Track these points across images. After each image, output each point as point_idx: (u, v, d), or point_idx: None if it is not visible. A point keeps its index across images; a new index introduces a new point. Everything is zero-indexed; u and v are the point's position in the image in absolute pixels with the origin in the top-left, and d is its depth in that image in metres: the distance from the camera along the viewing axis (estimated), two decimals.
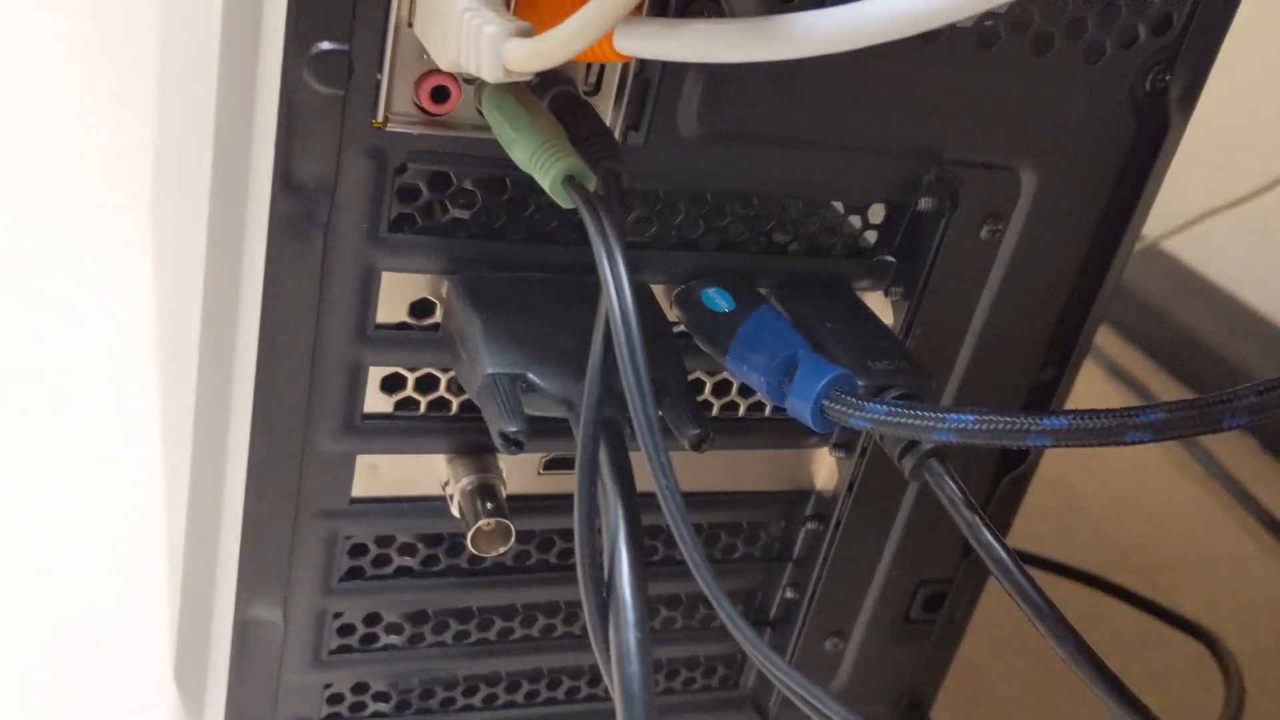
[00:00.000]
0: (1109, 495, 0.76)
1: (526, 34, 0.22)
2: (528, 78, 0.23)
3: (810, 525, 0.37)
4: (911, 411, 0.26)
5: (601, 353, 0.24)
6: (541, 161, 0.25)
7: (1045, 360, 0.36)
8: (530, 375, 0.27)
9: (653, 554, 0.36)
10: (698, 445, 0.27)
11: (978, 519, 0.28)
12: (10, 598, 0.52)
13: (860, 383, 0.29)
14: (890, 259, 0.33)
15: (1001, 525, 0.39)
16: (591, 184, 0.25)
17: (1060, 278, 0.35)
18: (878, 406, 0.27)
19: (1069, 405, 0.38)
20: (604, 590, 0.25)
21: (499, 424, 0.26)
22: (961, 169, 0.32)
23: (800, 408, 0.28)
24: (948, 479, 0.28)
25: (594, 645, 0.25)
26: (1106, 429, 0.24)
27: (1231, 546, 0.74)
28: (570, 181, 0.25)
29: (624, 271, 0.24)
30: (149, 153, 0.73)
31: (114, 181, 0.77)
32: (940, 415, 0.26)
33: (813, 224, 0.32)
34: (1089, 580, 0.64)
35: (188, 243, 0.40)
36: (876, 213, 0.33)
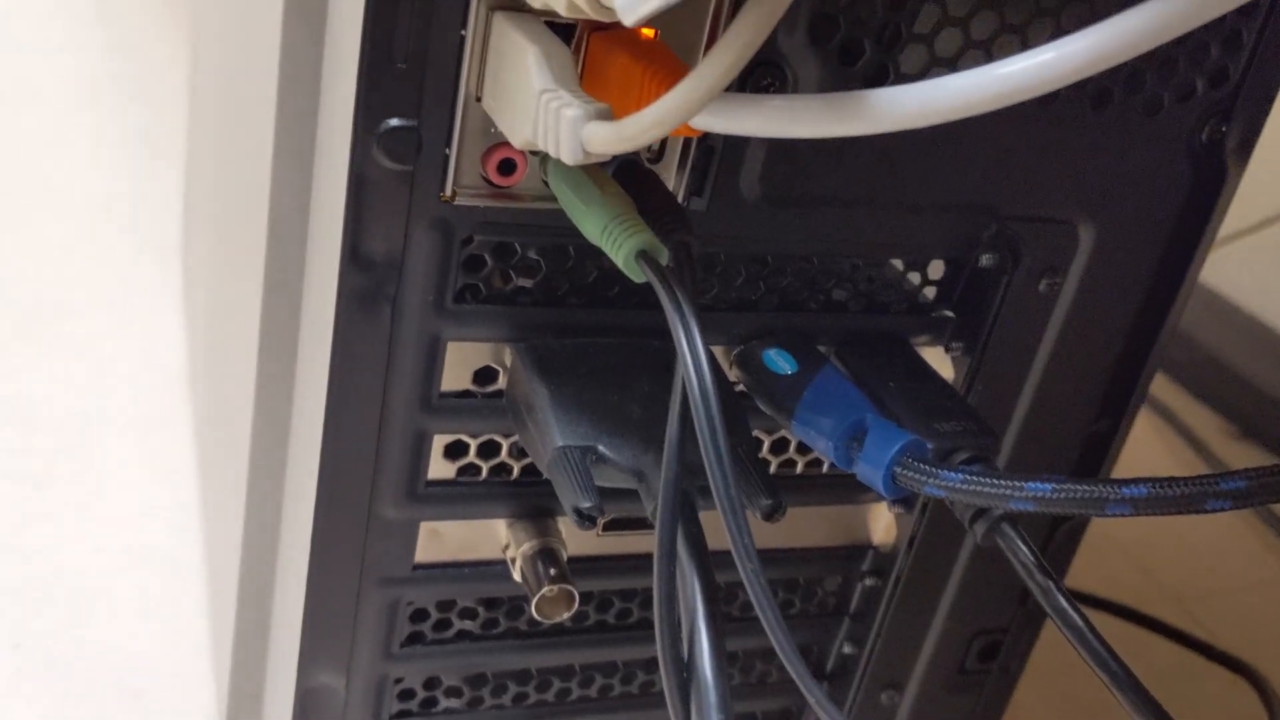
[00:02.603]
0: (1142, 522, 0.75)
1: (606, 116, 0.22)
2: (605, 159, 0.23)
3: (868, 581, 0.37)
4: (988, 480, 0.26)
5: (679, 430, 0.24)
6: (614, 237, 0.25)
7: (1100, 411, 0.36)
8: (600, 447, 0.27)
9: None
10: (770, 516, 0.27)
11: (1052, 584, 0.28)
12: (47, 649, 0.52)
13: (929, 445, 0.29)
14: (950, 314, 0.33)
15: (1057, 574, 0.39)
16: (664, 258, 0.25)
17: (1116, 329, 0.35)
18: (953, 474, 0.26)
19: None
20: (684, 670, 0.24)
21: (573, 499, 0.26)
22: (1021, 224, 0.32)
23: (872, 475, 0.28)
24: (1021, 544, 0.28)
25: None
26: (1187, 497, 0.24)
27: (1269, 572, 0.74)
28: (643, 256, 0.25)
29: (701, 346, 0.24)
30: (175, 193, 0.73)
31: (139, 223, 0.77)
32: (1018, 484, 0.25)
33: (872, 281, 0.32)
34: (1127, 615, 0.63)
35: (232, 301, 0.40)
36: (935, 268, 0.33)
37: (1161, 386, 0.87)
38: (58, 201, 0.77)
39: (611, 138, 0.22)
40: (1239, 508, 0.24)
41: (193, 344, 0.64)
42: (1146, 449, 0.82)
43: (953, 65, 0.29)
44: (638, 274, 0.25)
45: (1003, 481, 0.26)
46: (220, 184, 0.46)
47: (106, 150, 0.83)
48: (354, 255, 0.27)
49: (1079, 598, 0.63)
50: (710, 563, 0.25)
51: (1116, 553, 0.73)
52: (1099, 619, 0.63)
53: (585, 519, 0.26)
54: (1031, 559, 0.28)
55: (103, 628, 0.53)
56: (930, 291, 0.33)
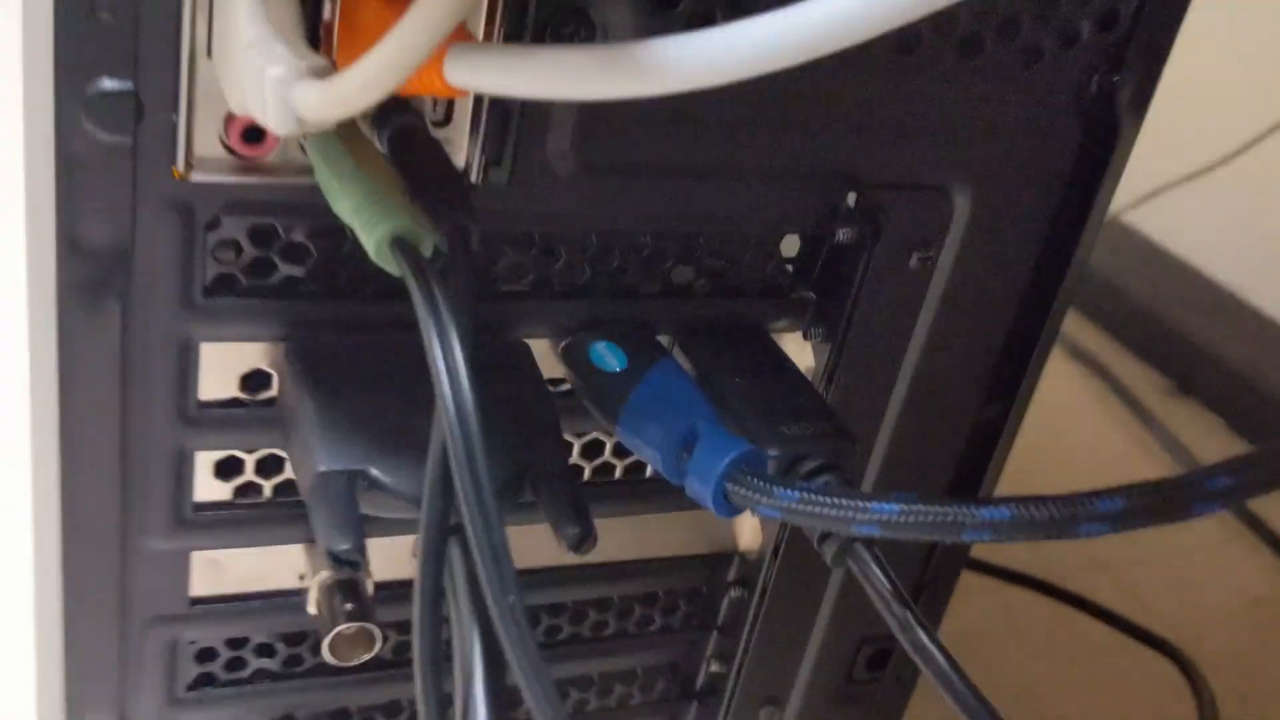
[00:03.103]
0: (1072, 485, 0.72)
1: (324, 74, 0.18)
2: (328, 128, 0.18)
3: (734, 592, 0.33)
4: (828, 500, 0.22)
5: (440, 457, 0.20)
6: (365, 219, 0.20)
7: (989, 396, 0.32)
8: (373, 470, 0.23)
9: (556, 634, 0.32)
10: (577, 546, 0.23)
11: (909, 615, 0.24)
12: None
13: (772, 452, 0.25)
14: (809, 295, 0.29)
15: (944, 591, 0.35)
16: (426, 246, 0.21)
17: (1002, 305, 0.31)
18: (789, 493, 0.22)
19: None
20: None
21: (326, 539, 0.22)
22: (884, 192, 0.28)
23: (700, 491, 0.24)
24: (875, 567, 0.24)
25: None
26: (1056, 520, 0.20)
27: (1200, 537, 0.71)
28: (399, 244, 0.20)
29: (459, 359, 0.19)
30: None
31: None
32: (862, 505, 0.22)
33: (718, 260, 0.28)
34: (1055, 593, 0.60)
35: None
36: (790, 244, 0.29)
37: (1094, 340, 0.84)
38: None
39: (328, 99, 0.17)
40: (1117, 530, 0.20)
41: None
42: (1080, 406, 0.79)
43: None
44: (392, 265, 0.20)
45: (844, 501, 0.22)
46: None
47: None
48: (71, 243, 0.22)
49: (1001, 571, 0.59)
50: (488, 613, 0.21)
51: None
52: (1023, 595, 0.61)
53: (343, 564, 0.21)
54: (887, 586, 0.24)
55: None
56: (786, 271, 0.29)
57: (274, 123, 0.18)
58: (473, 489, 0.18)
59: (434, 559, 0.20)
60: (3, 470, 0.28)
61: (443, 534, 0.20)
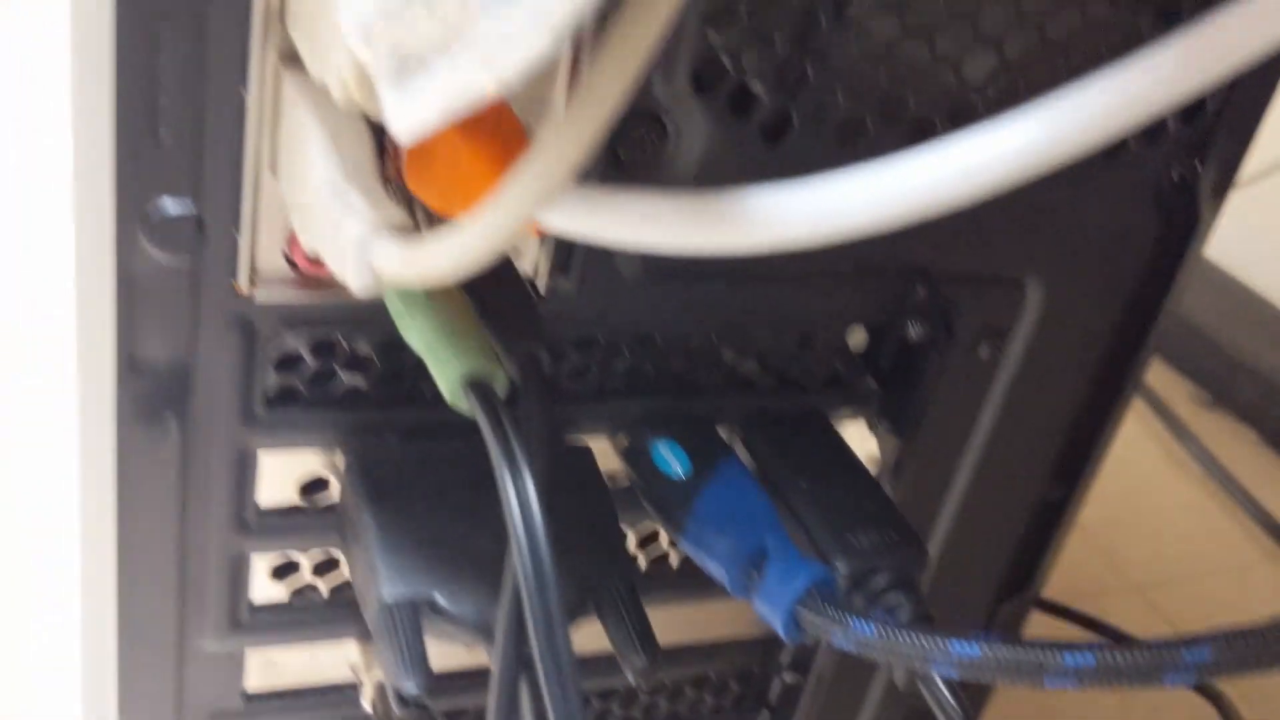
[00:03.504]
0: (1108, 504, 0.72)
1: (403, 229, 0.17)
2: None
3: (787, 677, 0.32)
4: (907, 639, 0.21)
5: (514, 598, 0.19)
6: (438, 358, 0.20)
7: (1053, 479, 0.32)
8: (438, 596, 0.22)
9: (606, 717, 0.32)
10: (642, 676, 0.22)
11: None
12: None
13: (841, 569, 0.24)
14: (875, 386, 0.28)
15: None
16: (500, 384, 0.20)
17: (1071, 392, 0.30)
18: (865, 625, 0.22)
19: None
20: None
21: (393, 676, 0.21)
22: (956, 285, 0.27)
23: (770, 615, 0.23)
24: (949, 697, 0.23)
25: None
26: (1142, 668, 0.20)
27: (1235, 557, 0.70)
28: (474, 387, 0.20)
29: (533, 502, 0.19)
30: None
31: None
32: (941, 645, 0.21)
33: (782, 354, 0.27)
34: (1080, 619, 0.60)
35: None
36: (857, 336, 0.28)
37: None
38: None
39: (405, 269, 0.17)
40: (1203, 680, 0.20)
41: None
42: None
43: (875, 113, 0.24)
44: (464, 405, 0.20)
45: (923, 641, 0.21)
46: None
47: None
48: (131, 362, 0.22)
49: (1038, 602, 0.59)
50: None
51: (1077, 533, 0.69)
52: (1056, 625, 0.60)
53: (408, 705, 0.21)
54: (959, 714, 0.23)
55: None
56: (852, 362, 0.28)
57: (352, 280, 0.17)
58: (545, 635, 0.18)
59: (507, 698, 0.20)
60: (53, 575, 0.27)
61: (514, 675, 0.20)
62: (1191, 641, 0.19)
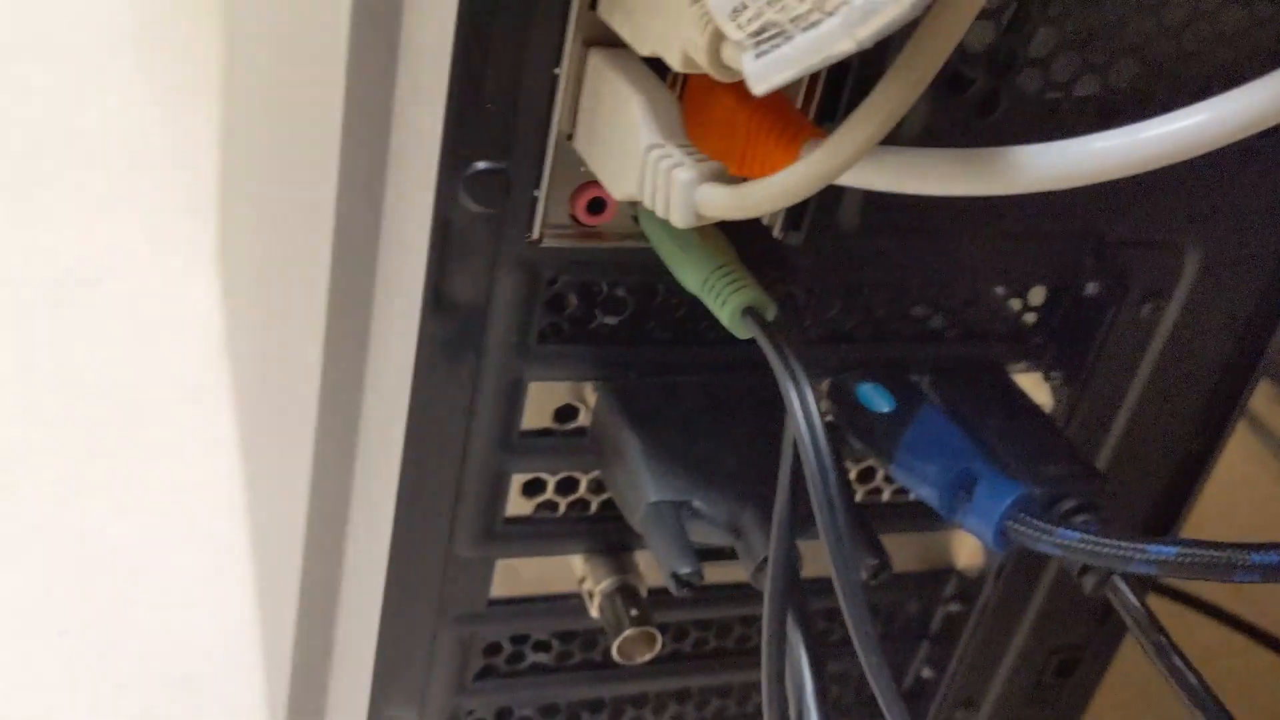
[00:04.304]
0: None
1: (720, 177, 0.21)
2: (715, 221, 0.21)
3: (952, 606, 0.35)
4: (1109, 541, 0.24)
5: (789, 502, 0.23)
6: (717, 291, 0.23)
7: (1196, 431, 0.35)
8: (695, 502, 0.26)
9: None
10: (874, 576, 0.26)
11: (1165, 640, 0.26)
12: (94, 636, 0.51)
13: (1036, 492, 0.27)
14: (1049, 341, 0.31)
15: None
16: (771, 314, 0.23)
17: (1219, 348, 0.33)
18: (1070, 533, 0.25)
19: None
20: None
21: (670, 564, 0.25)
22: (1127, 249, 0.30)
23: (982, 529, 0.26)
24: (1134, 600, 0.26)
25: None
26: None
27: None
28: (750, 314, 0.23)
29: (815, 413, 0.22)
30: (207, 149, 0.71)
31: (173, 180, 0.75)
32: (1140, 547, 0.24)
33: (970, 308, 0.31)
34: (1175, 595, 0.62)
35: (285, 303, 0.39)
36: (1037, 294, 0.31)
37: None
38: (88, 158, 0.75)
39: (730, 205, 0.20)
40: None
41: (230, 311, 0.63)
42: None
43: (1065, 90, 0.27)
44: (743, 331, 0.23)
45: (1123, 544, 0.24)
46: (268, 169, 0.44)
47: (137, 104, 0.80)
48: (437, 300, 0.26)
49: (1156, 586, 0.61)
50: (816, 637, 0.24)
51: None
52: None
53: (683, 585, 0.24)
54: (1145, 615, 0.26)
55: (152, 611, 0.53)
56: (1030, 318, 0.31)
57: (677, 218, 0.21)
58: (833, 534, 0.21)
59: (782, 593, 0.23)
60: (318, 470, 0.31)
61: (792, 565, 0.23)
62: None
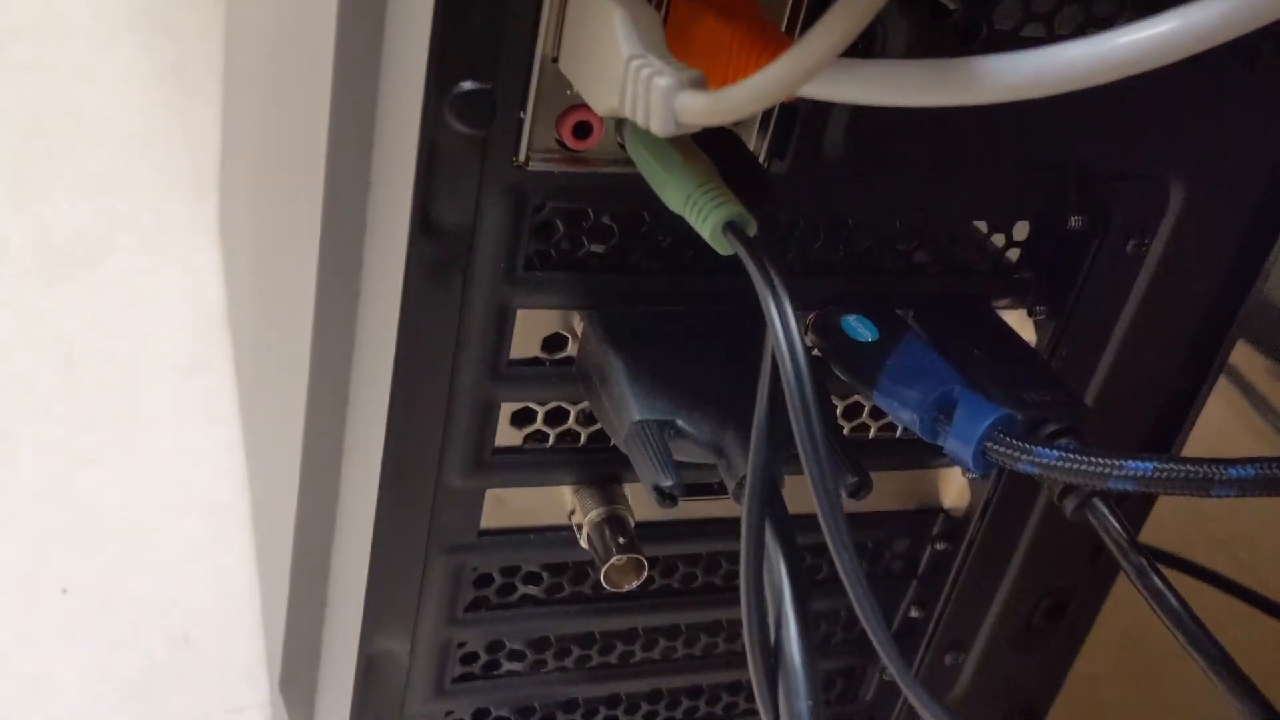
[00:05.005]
0: None
1: (700, 85, 0.21)
2: (697, 130, 0.22)
3: (939, 545, 0.36)
4: (1086, 458, 0.25)
5: (768, 412, 0.23)
6: (699, 207, 0.24)
7: (1181, 371, 0.35)
8: (679, 421, 0.26)
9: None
10: (856, 494, 0.26)
11: (1145, 561, 0.27)
12: (95, 594, 0.52)
13: (1017, 416, 0.28)
14: (1034, 276, 0.32)
15: (1133, 531, 0.38)
16: (752, 229, 0.24)
17: (1203, 288, 0.33)
18: (1048, 452, 0.25)
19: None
20: (771, 656, 0.24)
21: (652, 477, 0.25)
22: (1110, 183, 0.30)
23: (961, 450, 0.27)
24: (1114, 522, 0.27)
25: (761, 710, 0.24)
26: None
27: None
28: (731, 228, 0.23)
29: (794, 326, 0.23)
30: (209, 128, 0.72)
31: (174, 158, 0.75)
32: (1116, 463, 0.24)
33: (955, 243, 0.31)
34: (1182, 566, 0.62)
35: (280, 251, 0.39)
36: (1020, 229, 0.31)
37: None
38: (91, 138, 0.76)
39: (708, 109, 0.21)
40: None
41: (231, 282, 0.64)
42: None
43: (1047, 21, 0.27)
44: (724, 246, 0.24)
45: (1100, 460, 0.25)
46: (264, 126, 0.45)
47: (139, 85, 0.81)
48: (424, 224, 0.26)
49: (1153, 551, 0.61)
50: (797, 546, 0.24)
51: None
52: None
53: (666, 498, 0.25)
54: (1125, 537, 0.27)
55: (151, 573, 0.53)
56: (1014, 253, 0.32)
57: (657, 125, 0.21)
58: (810, 442, 0.22)
59: (759, 499, 0.24)
60: (313, 407, 0.32)
61: (770, 475, 0.23)
62: None
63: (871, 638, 0.24)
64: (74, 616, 0.51)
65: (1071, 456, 0.25)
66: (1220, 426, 0.78)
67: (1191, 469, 0.24)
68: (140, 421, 0.60)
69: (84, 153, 0.75)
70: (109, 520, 0.55)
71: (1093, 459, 0.25)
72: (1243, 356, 0.82)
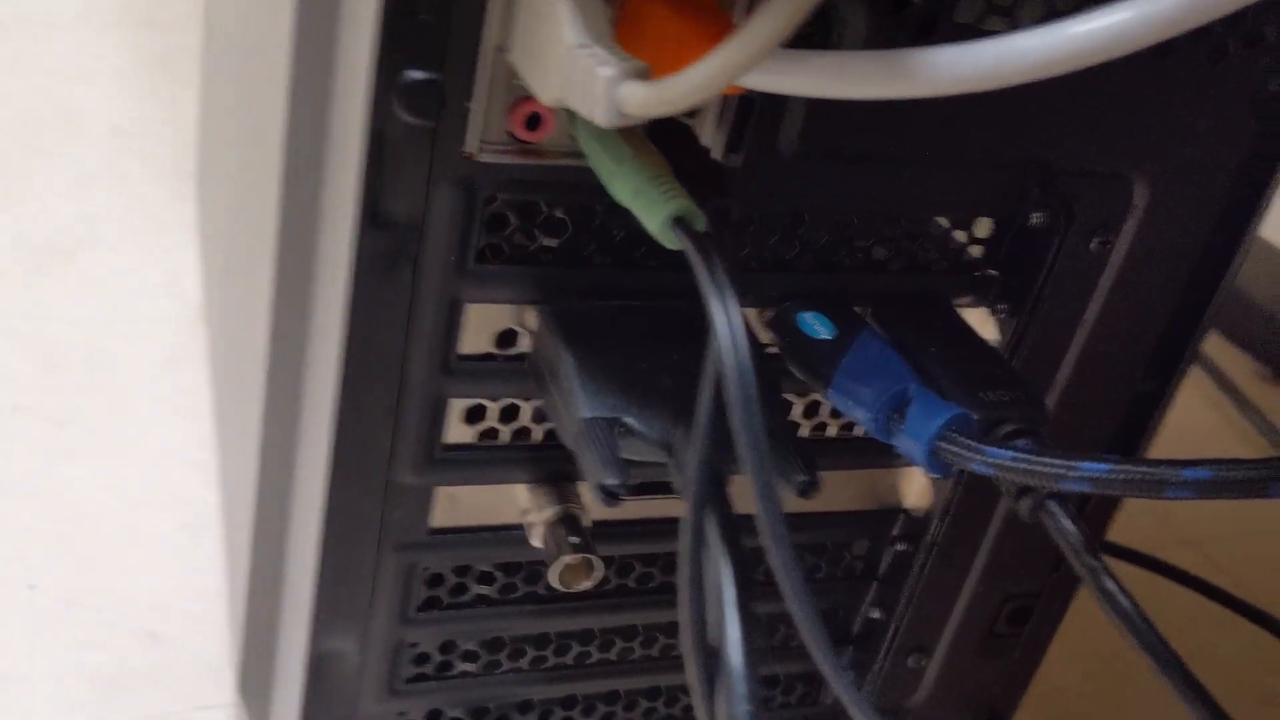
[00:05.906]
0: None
1: (644, 75, 0.21)
2: (641, 121, 0.21)
3: (899, 546, 0.35)
4: (1040, 459, 0.24)
5: (711, 410, 0.23)
6: (648, 200, 0.23)
7: (1148, 371, 0.35)
8: (628, 419, 0.26)
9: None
10: (805, 493, 0.26)
11: (1099, 565, 0.26)
12: (64, 590, 0.51)
13: (973, 417, 0.27)
14: (996, 274, 0.31)
15: (1095, 535, 0.38)
16: (700, 224, 0.23)
17: (1169, 288, 0.33)
18: (1001, 452, 0.25)
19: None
20: (711, 659, 0.23)
21: (597, 475, 0.25)
22: (1073, 180, 0.30)
23: (913, 449, 0.26)
24: (1069, 523, 0.26)
25: (698, 714, 0.24)
26: (1253, 480, 0.23)
27: None
28: (679, 223, 0.23)
29: (740, 324, 0.22)
30: (194, 122, 0.71)
31: (158, 152, 0.75)
32: (1070, 464, 0.24)
33: (914, 239, 0.31)
34: (1148, 564, 0.62)
35: (247, 245, 0.39)
36: (982, 226, 0.31)
37: (1214, 346, 0.85)
38: (75, 131, 0.75)
39: (650, 99, 0.20)
40: None
41: (208, 279, 0.63)
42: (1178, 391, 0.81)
43: (1008, 14, 0.27)
44: (672, 241, 0.23)
45: (1054, 461, 0.24)
46: (234, 120, 0.45)
47: (123, 78, 0.80)
48: (373, 215, 0.25)
49: (1108, 546, 0.61)
50: (741, 548, 0.24)
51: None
52: (1117, 566, 0.62)
53: (610, 496, 0.24)
54: (1079, 539, 0.26)
55: (121, 569, 0.53)
56: (975, 250, 0.31)
57: (600, 117, 0.21)
58: (750, 441, 0.21)
59: (700, 496, 0.23)
60: (269, 404, 0.31)
61: (714, 472, 0.23)
62: None
63: (803, 638, 0.24)
64: (41, 613, 0.50)
65: (1025, 457, 0.25)
66: (1208, 430, 0.78)
67: (1147, 470, 0.23)
68: (116, 417, 0.59)
69: (68, 146, 0.74)
70: (79, 516, 0.54)
71: (1047, 460, 0.24)
72: (1230, 360, 0.82)
